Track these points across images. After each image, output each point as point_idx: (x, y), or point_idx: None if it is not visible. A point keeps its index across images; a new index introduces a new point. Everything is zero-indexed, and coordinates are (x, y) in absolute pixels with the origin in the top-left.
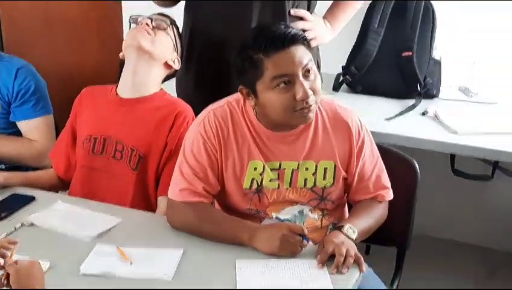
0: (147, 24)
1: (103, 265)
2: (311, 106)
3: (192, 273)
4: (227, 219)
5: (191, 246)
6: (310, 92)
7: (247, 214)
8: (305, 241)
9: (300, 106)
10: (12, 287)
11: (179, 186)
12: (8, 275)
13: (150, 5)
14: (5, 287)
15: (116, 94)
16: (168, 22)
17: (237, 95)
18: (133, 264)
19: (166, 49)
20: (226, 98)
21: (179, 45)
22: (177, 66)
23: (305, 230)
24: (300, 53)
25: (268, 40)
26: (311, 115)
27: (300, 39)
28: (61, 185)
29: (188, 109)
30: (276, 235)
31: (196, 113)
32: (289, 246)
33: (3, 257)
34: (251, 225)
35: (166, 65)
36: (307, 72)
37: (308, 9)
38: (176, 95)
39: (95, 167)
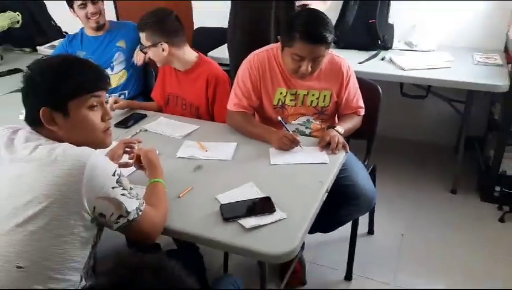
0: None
1: (189, 152)
2: (304, 74)
3: (243, 156)
4: (259, 124)
5: (241, 141)
6: (308, 70)
7: (275, 121)
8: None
9: (300, 73)
10: (144, 163)
11: (233, 101)
12: (138, 157)
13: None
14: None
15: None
16: (143, 47)
17: (273, 45)
18: (207, 152)
19: (158, 59)
20: (266, 46)
21: (158, 36)
22: (166, 46)
23: (296, 139)
24: (318, 49)
25: (308, 34)
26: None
27: (326, 41)
28: (160, 110)
29: (214, 71)
30: (277, 137)
31: (243, 59)
32: (283, 145)
33: (132, 147)
34: (270, 129)
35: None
36: (315, 59)
37: None
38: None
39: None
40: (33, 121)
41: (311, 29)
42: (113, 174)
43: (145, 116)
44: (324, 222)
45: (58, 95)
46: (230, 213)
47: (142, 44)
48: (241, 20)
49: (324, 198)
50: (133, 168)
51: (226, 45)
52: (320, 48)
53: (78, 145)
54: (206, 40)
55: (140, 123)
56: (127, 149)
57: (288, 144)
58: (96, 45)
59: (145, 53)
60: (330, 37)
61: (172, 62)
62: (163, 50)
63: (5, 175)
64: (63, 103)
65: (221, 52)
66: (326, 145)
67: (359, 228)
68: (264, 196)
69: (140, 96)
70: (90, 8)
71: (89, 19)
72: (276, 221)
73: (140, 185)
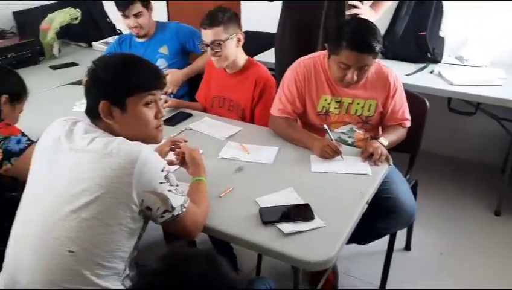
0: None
1: (232, 153)
2: (349, 82)
3: (284, 161)
4: (301, 130)
5: (283, 146)
6: (354, 78)
7: (318, 128)
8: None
9: (346, 82)
10: (188, 161)
11: (277, 107)
12: (182, 155)
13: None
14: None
15: (224, 70)
16: (217, 42)
17: (319, 53)
18: (249, 154)
19: (228, 53)
20: (313, 53)
21: (233, 27)
22: (242, 38)
23: (338, 149)
24: (364, 58)
25: (355, 42)
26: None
27: (373, 50)
28: (204, 111)
29: (263, 74)
30: (320, 145)
31: (289, 65)
32: (325, 154)
33: (178, 147)
34: (313, 136)
35: (238, 46)
36: (361, 68)
37: None
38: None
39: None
40: (92, 113)
41: (358, 38)
42: (162, 170)
43: (190, 115)
44: (361, 233)
45: (118, 91)
46: (270, 217)
47: (213, 42)
48: (290, 27)
49: (364, 210)
50: (177, 165)
51: (271, 50)
52: (367, 57)
53: (131, 140)
54: (251, 43)
55: (185, 122)
56: (173, 146)
57: (331, 154)
58: (142, 50)
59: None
60: (378, 46)
61: (231, 60)
62: (238, 41)
63: (64, 163)
64: (121, 98)
65: (266, 56)
66: (369, 157)
67: (396, 242)
68: (303, 202)
69: (185, 96)
70: (131, 21)
71: (131, 28)
72: (315, 229)
73: (184, 183)
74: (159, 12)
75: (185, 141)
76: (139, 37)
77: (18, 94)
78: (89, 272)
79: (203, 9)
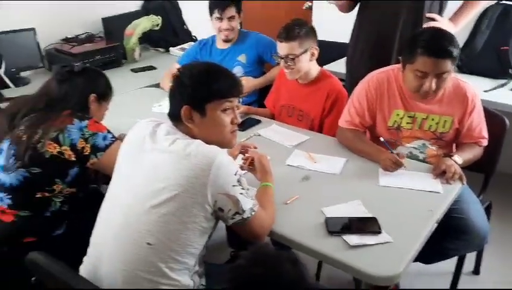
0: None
1: (299, 161)
2: (427, 92)
3: (351, 173)
4: (369, 143)
5: (351, 157)
6: (433, 87)
7: (388, 142)
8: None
9: (423, 92)
10: (256, 167)
11: (345, 118)
12: (251, 161)
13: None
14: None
15: (296, 80)
16: (292, 56)
17: (393, 66)
18: (316, 163)
19: (301, 65)
20: (386, 67)
21: (308, 42)
22: (316, 52)
23: (399, 161)
24: (441, 64)
25: (431, 48)
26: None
27: (450, 56)
28: (272, 117)
29: (335, 86)
30: (384, 158)
31: (361, 77)
32: (387, 167)
33: (246, 151)
34: (379, 149)
35: (312, 60)
36: (439, 75)
37: (440, 10)
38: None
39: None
40: (174, 116)
41: (434, 43)
42: (235, 174)
43: (259, 121)
44: (428, 252)
45: (200, 97)
46: (336, 227)
47: (288, 55)
48: (364, 39)
49: (433, 228)
50: (245, 170)
51: (341, 60)
52: (445, 63)
53: (208, 143)
54: (321, 53)
55: (254, 128)
56: (242, 151)
57: (392, 166)
58: (221, 57)
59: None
60: (455, 51)
61: (303, 72)
62: (312, 55)
63: (148, 161)
64: (202, 104)
65: (336, 66)
66: (441, 174)
67: (464, 265)
68: (370, 215)
69: (254, 103)
70: (225, 23)
71: (221, 31)
72: (381, 243)
73: (251, 187)
74: None
75: (255, 147)
76: (226, 41)
77: (105, 94)
78: (163, 264)
79: (274, 11)
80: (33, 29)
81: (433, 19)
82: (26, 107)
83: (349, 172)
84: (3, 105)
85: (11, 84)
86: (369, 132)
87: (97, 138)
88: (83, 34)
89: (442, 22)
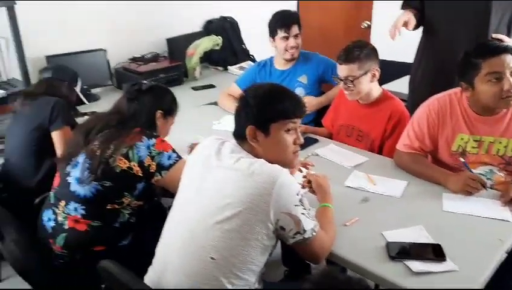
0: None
1: (358, 182)
2: (509, 90)
3: (412, 196)
4: (432, 166)
5: (412, 181)
6: None
7: (451, 167)
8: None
9: (505, 95)
10: (314, 187)
11: (404, 142)
12: (309, 181)
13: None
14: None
15: (357, 100)
16: (351, 79)
17: (456, 89)
18: (375, 185)
19: (362, 87)
20: (447, 91)
21: (369, 63)
22: (378, 73)
23: (483, 180)
24: (508, 59)
25: (487, 49)
26: None
27: (509, 50)
28: (329, 137)
29: (398, 108)
30: (461, 179)
31: (423, 99)
32: (467, 188)
33: (305, 167)
34: (446, 171)
35: (372, 81)
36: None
37: (508, 32)
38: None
39: (346, 143)
40: (239, 135)
41: (491, 44)
42: (297, 194)
43: (317, 141)
44: (496, 284)
45: (264, 117)
46: (397, 252)
47: (347, 77)
48: (428, 60)
49: (502, 259)
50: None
51: (400, 79)
52: (508, 57)
53: (270, 162)
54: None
55: (312, 147)
56: (300, 168)
57: (475, 187)
58: (281, 78)
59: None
60: (509, 45)
61: (364, 94)
62: (373, 76)
63: (213, 178)
64: (266, 124)
65: (397, 86)
66: (510, 202)
67: None
68: (434, 242)
69: (312, 122)
70: (291, 41)
71: (287, 51)
72: (446, 271)
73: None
74: None
75: (312, 165)
76: (292, 60)
77: (170, 109)
78: (225, 279)
79: (332, 31)
80: (104, 49)
81: (501, 40)
82: (100, 124)
83: (411, 195)
84: (79, 120)
85: (86, 101)
86: (431, 157)
87: (162, 157)
88: (149, 53)
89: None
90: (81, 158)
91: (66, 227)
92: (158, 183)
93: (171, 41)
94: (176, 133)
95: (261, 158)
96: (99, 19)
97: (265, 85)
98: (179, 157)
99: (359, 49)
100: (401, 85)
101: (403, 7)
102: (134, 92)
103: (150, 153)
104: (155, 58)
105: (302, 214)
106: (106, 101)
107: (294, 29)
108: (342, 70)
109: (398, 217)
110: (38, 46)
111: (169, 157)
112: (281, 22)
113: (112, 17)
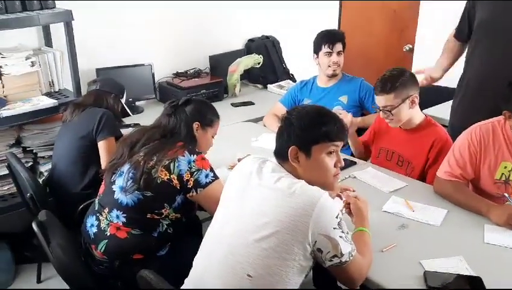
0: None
1: (396, 208)
2: None
3: (452, 225)
4: (474, 195)
5: (452, 209)
6: None
7: (494, 196)
8: None
9: None
10: (352, 210)
11: (445, 169)
12: (348, 204)
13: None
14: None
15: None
16: (389, 109)
17: (499, 117)
18: (414, 212)
19: (401, 115)
20: (490, 119)
21: (407, 92)
22: (417, 100)
23: None
24: None
25: None
26: None
27: None
28: (365, 156)
29: (442, 135)
30: (505, 213)
31: (465, 126)
32: (510, 222)
33: (343, 190)
34: (489, 202)
35: (413, 107)
36: None
37: None
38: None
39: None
40: (281, 155)
41: None
42: (337, 217)
43: (354, 163)
44: None
45: (307, 139)
46: (436, 283)
47: (385, 107)
48: (469, 87)
49: None
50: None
51: (441, 104)
52: None
53: (310, 184)
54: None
55: (349, 169)
56: (340, 193)
57: None
58: (322, 95)
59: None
60: None
61: (404, 121)
62: (412, 103)
63: (253, 196)
64: (308, 145)
65: (436, 111)
66: None
67: None
68: (474, 274)
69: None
70: (334, 57)
71: (329, 66)
72: None
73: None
74: (330, 17)
75: (353, 191)
76: (333, 76)
77: (207, 119)
78: None
79: (373, 53)
80: (151, 64)
81: None
82: (144, 137)
83: (451, 225)
84: (124, 131)
85: (130, 113)
86: (473, 185)
87: (201, 174)
88: (192, 69)
89: None
90: (125, 168)
91: (108, 233)
92: (192, 199)
93: (213, 59)
94: (215, 150)
95: (301, 179)
96: (147, 35)
97: (310, 107)
98: (216, 176)
99: (395, 79)
100: (444, 111)
101: (456, 36)
102: (171, 107)
103: (190, 168)
104: (197, 74)
105: (340, 237)
106: (149, 114)
107: (338, 46)
108: (379, 100)
109: (437, 246)
110: (90, 59)
111: (206, 176)
112: (326, 38)
113: (159, 34)
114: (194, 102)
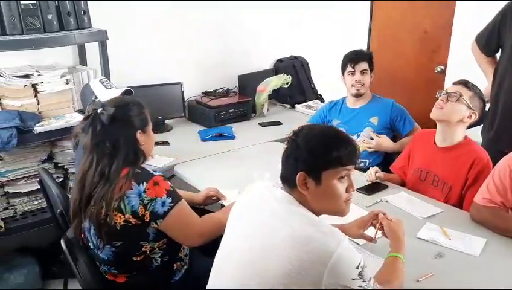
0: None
1: (431, 235)
2: None
3: (493, 256)
4: None
5: (491, 238)
6: None
7: None
8: None
9: None
10: (387, 233)
11: (483, 195)
12: (381, 226)
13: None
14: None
15: (434, 143)
16: (458, 95)
17: None
18: (451, 240)
19: (457, 112)
20: None
21: (475, 104)
22: (473, 118)
23: None
24: None
25: None
26: None
27: None
28: (402, 184)
29: (482, 155)
30: None
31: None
32: None
33: (376, 219)
34: None
35: (464, 121)
36: None
37: None
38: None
39: (419, 188)
40: (288, 181)
41: None
42: (357, 267)
43: (386, 187)
44: None
45: (317, 164)
46: None
47: (455, 92)
48: (500, 109)
49: None
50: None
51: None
52: None
53: (320, 212)
54: None
55: (381, 193)
56: (374, 221)
57: None
58: (352, 115)
59: None
60: None
61: (452, 120)
62: (469, 117)
63: (261, 225)
64: (318, 171)
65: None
66: None
67: None
68: None
69: (379, 165)
70: (357, 75)
71: (353, 86)
72: None
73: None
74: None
75: (384, 214)
76: (356, 95)
77: (144, 118)
78: None
79: (404, 73)
80: (181, 83)
81: None
82: (88, 182)
83: (490, 255)
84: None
85: None
86: None
87: (155, 205)
88: (221, 88)
89: None
90: (86, 225)
91: (108, 278)
92: (158, 229)
93: (242, 78)
94: (241, 169)
95: (311, 207)
96: (177, 55)
97: (319, 128)
98: (176, 199)
99: (476, 88)
100: (474, 133)
101: (483, 51)
102: (97, 134)
103: (142, 201)
104: (226, 93)
105: (360, 286)
106: (178, 132)
107: (362, 65)
108: (453, 87)
109: (476, 277)
110: (122, 77)
111: (163, 204)
112: (350, 57)
113: (189, 54)
114: (117, 114)
